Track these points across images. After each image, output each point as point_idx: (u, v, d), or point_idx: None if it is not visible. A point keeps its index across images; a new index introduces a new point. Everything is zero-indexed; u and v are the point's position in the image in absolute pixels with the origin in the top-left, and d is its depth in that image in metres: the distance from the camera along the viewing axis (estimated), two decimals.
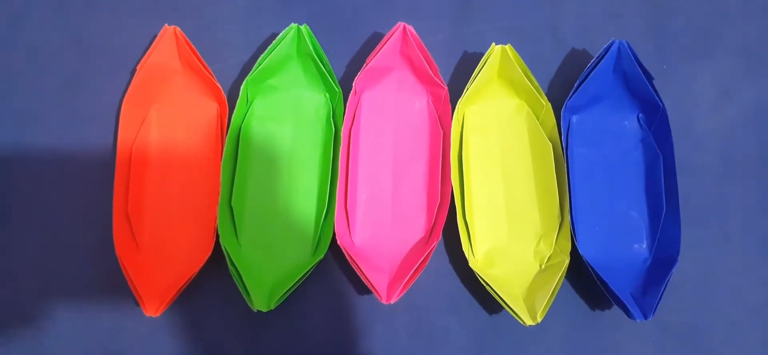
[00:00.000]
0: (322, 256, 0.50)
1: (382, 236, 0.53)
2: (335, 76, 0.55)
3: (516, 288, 0.50)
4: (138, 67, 0.54)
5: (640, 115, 0.55)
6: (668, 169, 0.52)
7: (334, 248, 0.51)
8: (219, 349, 0.52)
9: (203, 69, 0.54)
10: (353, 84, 0.54)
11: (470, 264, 0.50)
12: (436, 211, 0.52)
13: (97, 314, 0.52)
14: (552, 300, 0.48)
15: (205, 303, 0.52)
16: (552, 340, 0.52)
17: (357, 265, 0.49)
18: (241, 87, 0.53)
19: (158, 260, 0.51)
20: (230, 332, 0.52)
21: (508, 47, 0.53)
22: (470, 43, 0.59)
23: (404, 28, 0.53)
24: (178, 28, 0.54)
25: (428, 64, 0.54)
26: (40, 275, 0.53)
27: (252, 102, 0.55)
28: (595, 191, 0.54)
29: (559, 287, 0.49)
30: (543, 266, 0.52)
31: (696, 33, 0.60)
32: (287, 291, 0.49)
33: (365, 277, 0.48)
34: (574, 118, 0.55)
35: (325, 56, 0.54)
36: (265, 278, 0.50)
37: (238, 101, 0.53)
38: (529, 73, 0.54)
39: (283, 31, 0.53)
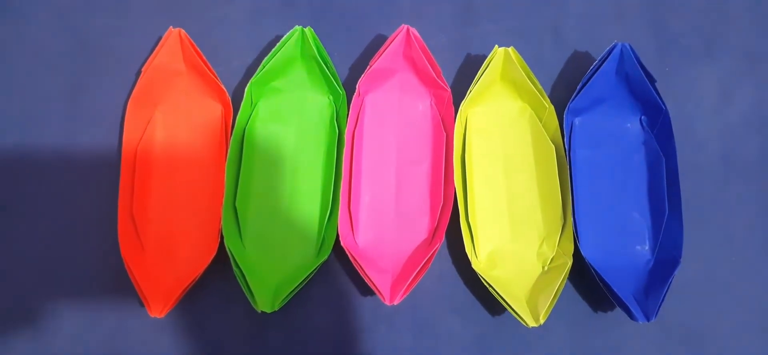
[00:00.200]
0: (326, 257, 0.50)
1: (386, 237, 0.53)
2: (339, 78, 0.55)
3: (519, 290, 0.50)
4: (143, 69, 0.54)
5: (643, 117, 0.56)
6: (671, 171, 0.52)
7: (338, 249, 0.51)
8: (223, 350, 0.52)
9: (208, 71, 0.54)
10: (357, 86, 0.54)
11: (473, 266, 0.50)
12: (439, 212, 0.52)
13: (102, 314, 0.52)
14: (555, 302, 0.48)
15: (210, 304, 0.52)
16: (554, 341, 0.52)
17: (360, 266, 0.49)
18: (246, 89, 0.53)
19: (163, 261, 0.51)
20: (234, 332, 0.52)
21: (511, 49, 0.53)
22: (473, 46, 0.59)
23: (407, 30, 0.53)
24: (182, 31, 0.54)
25: (431, 67, 0.54)
26: (45, 275, 0.53)
27: (256, 104, 0.55)
28: (597, 193, 0.54)
29: (561, 289, 0.49)
30: (546, 268, 0.52)
31: (698, 35, 0.60)
32: (291, 292, 0.49)
33: (368, 278, 0.48)
34: (577, 121, 0.55)
35: (328, 58, 0.55)
36: (269, 279, 0.50)
37: (242, 103, 0.53)
38: (532, 75, 0.54)
39: (287, 34, 0.54)
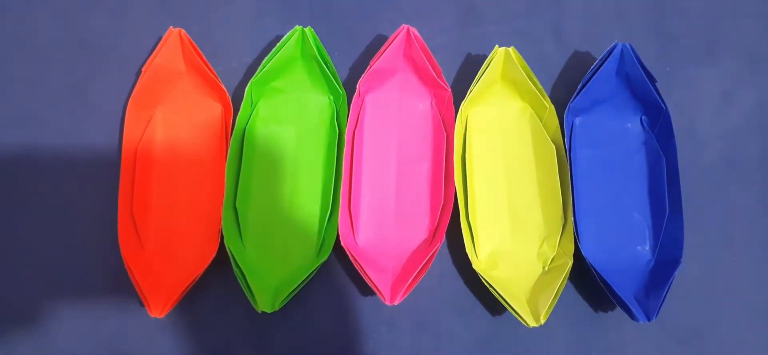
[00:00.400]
0: (326, 257, 0.50)
1: (386, 237, 0.53)
2: (339, 78, 0.55)
3: (519, 290, 0.50)
4: (143, 69, 0.54)
5: (643, 117, 0.56)
6: (671, 171, 0.52)
7: (338, 249, 0.51)
8: (223, 350, 0.52)
9: (208, 71, 0.54)
10: (357, 86, 0.54)
11: (473, 266, 0.50)
12: (439, 212, 0.52)
13: (103, 314, 0.52)
14: (555, 302, 0.48)
15: (210, 304, 0.52)
16: (555, 341, 0.52)
17: (361, 266, 0.49)
18: (246, 89, 0.53)
19: (163, 261, 0.51)
20: (234, 333, 0.52)
21: (511, 49, 0.53)
22: (473, 46, 0.59)
23: (408, 30, 0.53)
24: (183, 31, 0.54)
25: (432, 67, 0.54)
26: (45, 275, 0.53)
27: (256, 104, 0.55)
28: (598, 193, 0.54)
29: (562, 289, 0.49)
30: (546, 268, 0.52)
31: (699, 35, 0.60)
32: (291, 292, 0.49)
33: (369, 278, 0.48)
34: (577, 121, 0.55)
35: (329, 58, 0.55)
36: (270, 279, 0.50)
37: (242, 103, 0.53)
38: (533, 75, 0.54)
39: (288, 34, 0.54)
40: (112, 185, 0.53)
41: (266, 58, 0.54)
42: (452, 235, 0.53)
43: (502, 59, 0.54)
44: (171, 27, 0.54)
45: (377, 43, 0.59)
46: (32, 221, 0.54)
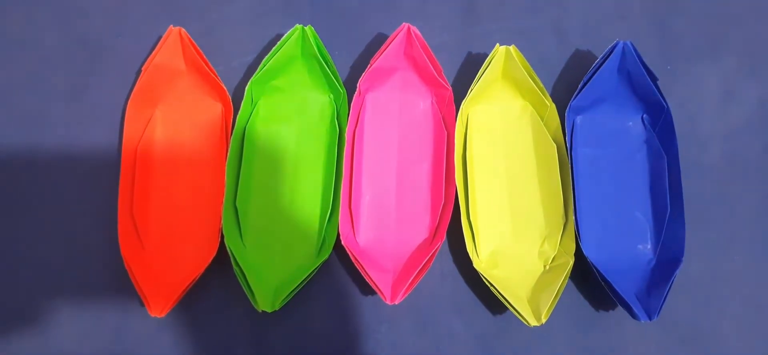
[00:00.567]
0: (327, 257, 0.50)
1: (387, 236, 0.53)
2: (339, 77, 0.55)
3: (520, 289, 0.50)
4: (143, 68, 0.54)
5: (645, 115, 0.55)
6: (673, 170, 0.52)
7: (339, 248, 0.51)
8: (223, 349, 0.52)
9: (208, 70, 0.54)
10: (358, 85, 0.54)
11: (474, 265, 0.50)
12: (440, 211, 0.52)
13: (102, 314, 0.52)
14: (556, 301, 0.48)
15: (210, 304, 0.52)
16: (556, 341, 0.52)
17: (361, 265, 0.49)
18: (246, 88, 0.53)
19: (163, 261, 0.51)
20: (235, 332, 0.52)
21: (512, 48, 0.53)
22: (474, 44, 0.59)
23: (408, 29, 0.53)
24: (183, 30, 0.54)
25: (432, 65, 0.54)
26: (45, 274, 0.53)
27: (257, 103, 0.55)
28: (599, 191, 0.54)
29: (563, 288, 0.49)
30: (547, 267, 0.51)
31: (700, 34, 0.60)
32: (292, 292, 0.49)
33: (369, 278, 0.48)
34: (579, 119, 0.55)
35: (329, 57, 0.55)
36: (270, 278, 0.50)
37: (242, 102, 0.53)
38: (534, 73, 0.54)
39: (288, 32, 0.53)
40: (112, 185, 0.53)
41: (266, 56, 0.53)
42: (453, 234, 0.53)
43: (503, 58, 0.54)
44: (171, 26, 0.54)
45: (378, 41, 0.59)
46: (32, 220, 0.54)
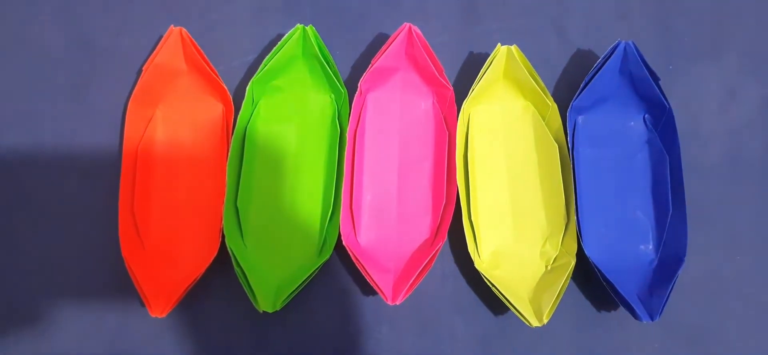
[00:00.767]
0: (328, 257, 0.50)
1: (388, 236, 0.53)
2: (341, 77, 0.55)
3: (522, 289, 0.50)
4: (144, 68, 0.54)
5: (647, 115, 0.55)
6: (674, 169, 0.52)
7: (340, 248, 0.51)
8: (224, 350, 0.52)
9: (209, 70, 0.54)
10: (359, 85, 0.54)
11: (476, 265, 0.50)
12: (441, 212, 0.52)
13: (103, 314, 0.52)
14: (558, 301, 0.48)
15: (211, 304, 0.52)
16: (558, 341, 0.52)
17: (362, 266, 0.49)
18: (247, 88, 0.53)
19: (164, 261, 0.51)
20: (235, 332, 0.52)
21: (513, 48, 0.53)
22: (476, 44, 0.59)
23: (410, 28, 0.53)
24: (184, 29, 0.54)
25: (434, 65, 0.54)
26: (46, 275, 0.53)
27: (257, 103, 0.55)
28: (601, 191, 0.53)
29: (565, 288, 0.49)
30: (549, 267, 0.51)
31: (702, 33, 0.60)
32: (293, 292, 0.49)
33: (371, 278, 0.48)
34: (580, 119, 0.55)
35: (330, 57, 0.54)
36: (271, 278, 0.50)
37: (243, 102, 0.53)
38: (535, 73, 0.54)
39: (289, 32, 0.53)
40: (113, 185, 0.53)
41: (267, 56, 0.53)
42: (454, 234, 0.53)
43: (504, 58, 0.54)
44: (172, 26, 0.54)
45: (379, 41, 0.59)
46: (33, 220, 0.54)
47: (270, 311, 0.47)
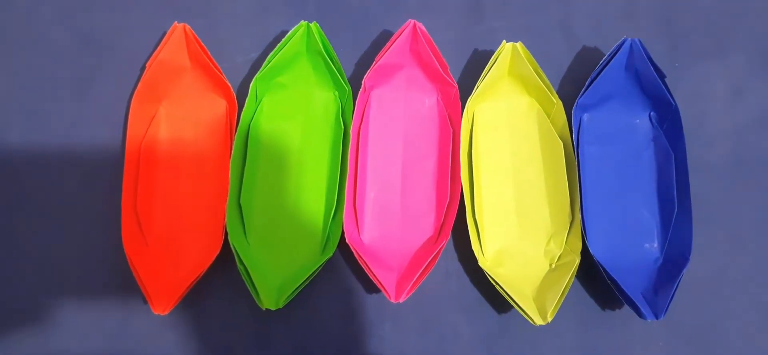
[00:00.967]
0: (331, 254, 0.50)
1: (391, 234, 0.52)
2: (344, 74, 0.55)
3: (526, 287, 0.50)
4: (147, 65, 0.54)
5: (652, 113, 0.55)
6: (680, 168, 0.52)
7: (343, 246, 0.51)
8: (227, 347, 0.51)
9: (212, 66, 0.54)
10: (363, 82, 0.53)
11: (480, 263, 0.49)
12: (445, 209, 0.51)
13: (106, 311, 0.52)
14: (562, 300, 0.48)
15: (214, 301, 0.52)
16: (562, 339, 0.52)
17: (366, 263, 0.49)
18: (251, 85, 0.53)
19: (167, 258, 0.51)
20: (238, 330, 0.52)
21: (519, 45, 0.53)
22: (481, 41, 0.59)
23: (414, 25, 0.52)
24: (187, 26, 0.54)
25: (438, 62, 0.53)
26: (48, 272, 0.53)
27: (261, 100, 0.55)
28: (606, 189, 0.53)
29: (569, 287, 0.48)
30: (553, 266, 0.51)
31: (709, 31, 0.60)
32: (296, 290, 0.49)
33: (374, 275, 0.48)
34: (585, 117, 0.55)
35: (334, 54, 0.54)
36: (274, 276, 0.50)
37: (247, 99, 0.53)
38: (540, 70, 0.53)
39: (293, 29, 0.53)
40: (116, 182, 0.53)
41: (271, 53, 0.53)
42: (458, 232, 0.53)
43: (509, 55, 0.53)
44: (175, 22, 0.54)
45: (383, 38, 0.58)
46: (35, 217, 0.54)
47: (273, 308, 0.47)
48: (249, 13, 0.60)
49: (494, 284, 0.49)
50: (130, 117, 0.54)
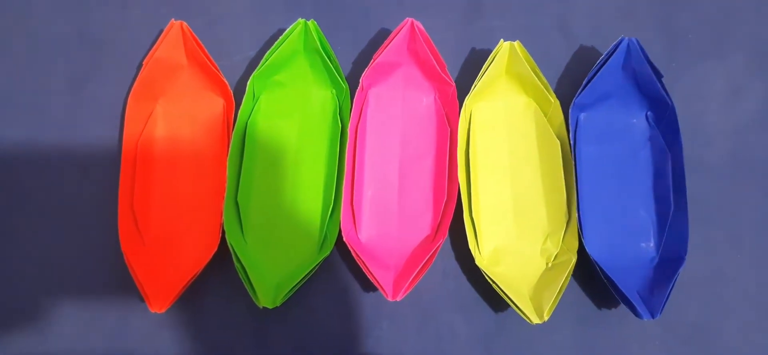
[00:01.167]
0: (328, 253, 0.50)
1: (389, 233, 0.52)
2: (342, 72, 0.55)
3: (523, 286, 0.50)
4: (144, 62, 0.54)
5: (649, 113, 0.55)
6: (677, 167, 0.52)
7: (340, 245, 0.51)
8: (224, 346, 0.51)
9: (210, 64, 0.54)
10: (360, 80, 0.53)
11: (476, 262, 0.49)
12: (442, 208, 0.51)
13: (103, 310, 0.52)
14: (559, 298, 0.48)
15: (211, 300, 0.52)
16: (559, 338, 0.52)
17: (363, 262, 0.49)
18: (248, 83, 0.53)
19: (164, 256, 0.51)
20: (235, 329, 0.52)
21: (516, 44, 0.53)
22: (478, 40, 0.59)
23: (412, 23, 0.52)
24: (184, 23, 0.54)
25: (436, 61, 0.53)
26: (45, 270, 0.53)
27: (258, 98, 0.55)
28: (602, 189, 0.53)
29: (566, 286, 0.49)
30: (550, 265, 0.51)
31: (706, 31, 0.60)
32: (293, 288, 0.49)
33: (371, 274, 0.48)
34: (583, 116, 0.55)
35: (332, 52, 0.54)
36: (271, 274, 0.50)
37: (244, 97, 0.53)
38: (538, 69, 0.53)
39: (290, 27, 0.53)
40: (113, 180, 0.53)
41: (269, 51, 0.53)
42: (455, 231, 0.53)
43: (507, 54, 0.53)
44: (173, 19, 0.54)
45: (381, 36, 0.58)
46: (32, 216, 0.54)
47: (270, 307, 0.47)
48: (246, 10, 0.60)
49: (491, 283, 0.49)
50: (126, 115, 0.54)
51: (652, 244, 0.52)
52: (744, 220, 0.55)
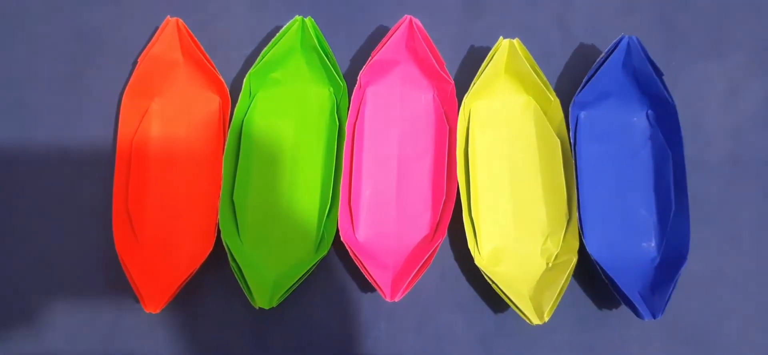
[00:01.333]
0: (325, 253, 0.50)
1: (387, 232, 0.52)
2: (340, 70, 0.54)
3: (523, 287, 0.50)
4: (139, 59, 0.54)
5: (650, 111, 0.55)
6: (677, 166, 0.52)
7: (338, 244, 0.50)
8: (220, 346, 0.51)
9: (206, 62, 0.53)
10: (358, 78, 0.53)
11: (476, 262, 0.49)
12: (441, 207, 0.51)
13: (97, 310, 0.51)
14: (559, 299, 0.48)
15: (206, 300, 0.52)
16: (559, 339, 0.52)
17: (361, 262, 0.48)
18: (244, 80, 0.53)
19: (159, 256, 0.50)
20: (231, 329, 0.51)
21: (516, 41, 0.53)
22: (477, 37, 0.59)
23: (410, 21, 0.52)
24: (180, 20, 0.53)
25: (434, 58, 0.53)
26: (39, 270, 0.52)
27: (255, 96, 0.54)
28: (603, 188, 0.53)
29: (566, 286, 0.48)
30: (550, 265, 0.51)
31: (707, 30, 0.60)
32: (290, 288, 0.48)
33: (369, 274, 0.48)
34: (583, 114, 0.55)
35: (329, 49, 0.54)
36: (267, 274, 0.50)
37: (240, 95, 0.53)
38: (537, 67, 0.53)
39: (287, 24, 0.53)
40: (107, 179, 0.52)
41: (265, 48, 0.53)
42: (454, 230, 0.52)
43: (506, 51, 0.53)
44: (168, 16, 0.54)
45: (379, 34, 0.58)
46: (25, 214, 0.53)
47: (266, 307, 0.47)
48: (243, 7, 0.59)
49: (490, 282, 0.49)
50: (121, 113, 0.53)
51: (653, 244, 0.52)
52: (745, 219, 0.55)
